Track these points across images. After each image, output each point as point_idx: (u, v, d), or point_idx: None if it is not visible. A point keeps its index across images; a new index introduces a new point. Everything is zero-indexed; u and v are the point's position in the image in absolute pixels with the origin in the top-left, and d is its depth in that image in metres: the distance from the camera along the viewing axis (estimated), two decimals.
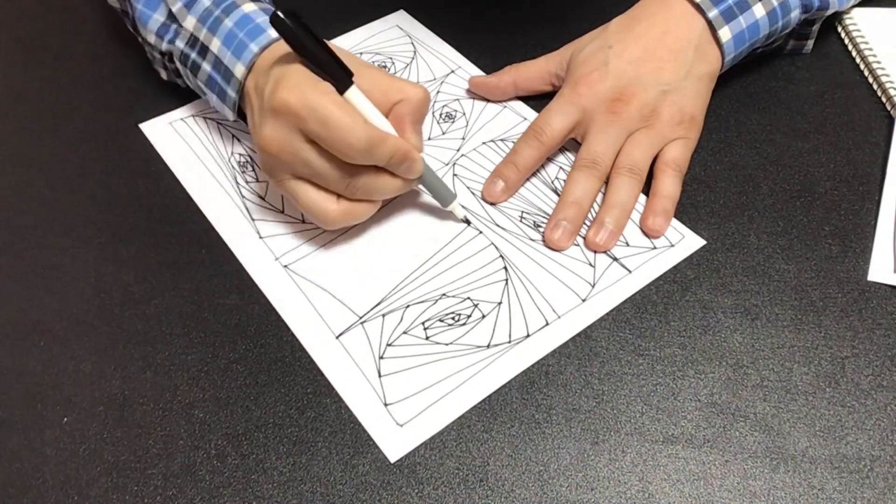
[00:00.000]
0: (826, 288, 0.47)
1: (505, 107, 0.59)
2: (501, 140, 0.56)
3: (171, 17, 0.54)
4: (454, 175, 0.54)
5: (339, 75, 0.45)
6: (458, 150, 0.56)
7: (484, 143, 0.56)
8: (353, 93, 0.45)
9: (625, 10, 0.56)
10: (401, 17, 0.67)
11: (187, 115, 0.59)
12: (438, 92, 0.60)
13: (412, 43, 0.64)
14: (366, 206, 0.48)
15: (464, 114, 0.58)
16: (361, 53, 0.63)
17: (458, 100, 0.59)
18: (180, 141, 0.57)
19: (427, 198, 0.53)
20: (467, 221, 0.50)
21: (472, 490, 0.40)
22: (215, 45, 0.51)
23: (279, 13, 0.43)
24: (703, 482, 0.39)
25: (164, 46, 0.55)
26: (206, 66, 0.52)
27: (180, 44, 0.54)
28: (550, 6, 0.66)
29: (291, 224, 0.51)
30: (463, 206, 0.52)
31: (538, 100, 0.58)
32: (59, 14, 0.71)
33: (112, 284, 0.49)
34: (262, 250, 0.50)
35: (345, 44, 0.64)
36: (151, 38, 0.56)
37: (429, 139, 0.57)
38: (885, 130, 0.55)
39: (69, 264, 0.51)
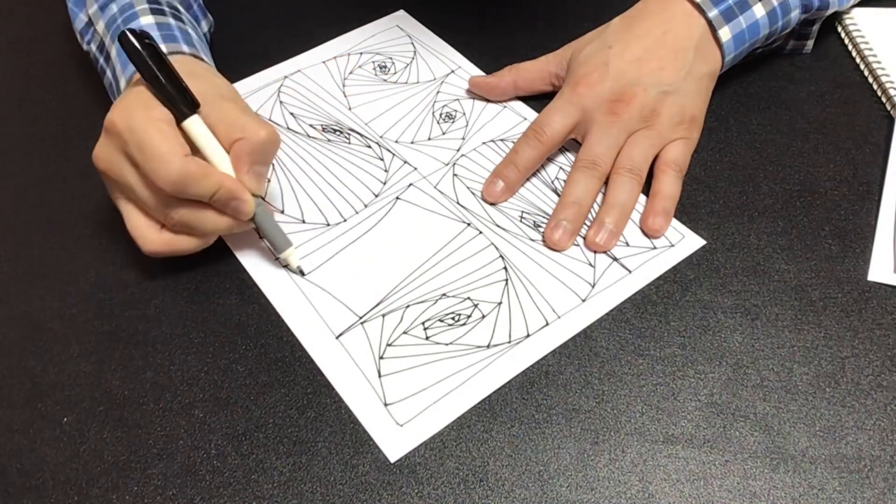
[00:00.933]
0: (826, 288, 0.47)
1: (505, 107, 0.59)
2: (501, 140, 0.56)
3: (90, 18, 0.55)
4: (454, 175, 0.54)
5: (179, 103, 0.44)
6: (458, 150, 0.56)
7: (484, 143, 0.56)
8: (192, 122, 0.44)
9: (625, 10, 0.56)
10: (401, 17, 0.67)
11: None
12: (438, 92, 0.60)
13: (412, 43, 0.64)
14: (191, 240, 0.46)
15: (464, 114, 0.58)
16: (361, 53, 0.63)
17: (458, 100, 0.59)
18: None
19: (428, 198, 0.53)
20: (302, 273, 0.48)
21: (472, 490, 0.40)
22: (113, 54, 0.51)
23: (127, 32, 0.43)
24: (703, 482, 0.39)
25: (85, 47, 0.56)
26: (109, 74, 0.53)
27: (93, 47, 0.55)
28: (550, 6, 0.66)
29: (291, 224, 0.51)
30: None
31: (538, 100, 0.58)
32: (58, 14, 0.70)
33: (112, 284, 0.49)
34: (262, 250, 0.50)
35: (345, 44, 0.64)
36: (78, 37, 0.57)
37: (429, 139, 0.57)
38: (885, 130, 0.55)
39: (69, 264, 0.51)
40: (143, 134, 0.42)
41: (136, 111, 0.43)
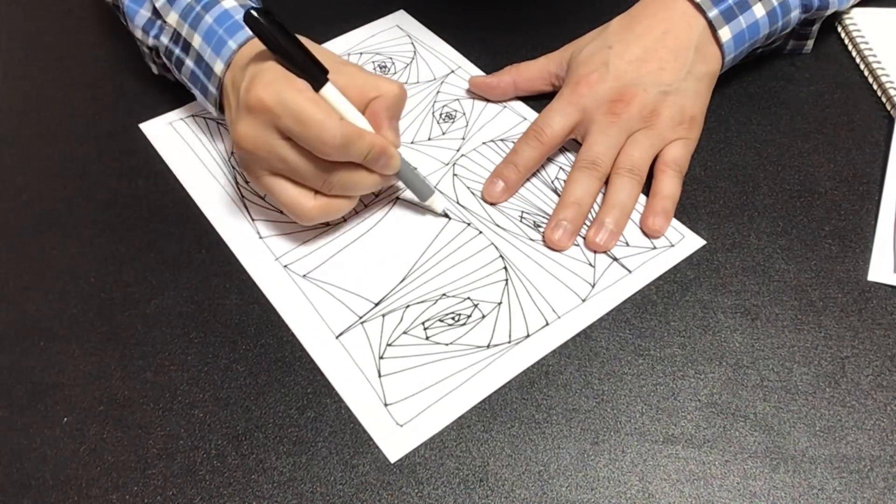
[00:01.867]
0: (826, 288, 0.47)
1: (505, 107, 0.59)
2: (501, 140, 0.56)
3: (156, 12, 0.54)
4: (454, 175, 0.54)
5: (313, 73, 0.45)
6: (458, 150, 0.56)
7: (484, 143, 0.56)
8: (328, 90, 0.45)
9: (625, 10, 0.56)
10: (401, 17, 0.67)
11: (187, 115, 0.59)
12: (438, 92, 0.60)
13: (412, 43, 0.64)
14: (344, 201, 0.48)
15: (464, 114, 0.58)
16: (362, 53, 0.63)
17: (458, 100, 0.59)
18: (180, 141, 0.57)
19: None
20: (447, 216, 0.50)
21: (472, 490, 0.40)
22: (196, 42, 0.51)
23: (252, 11, 0.44)
24: (703, 482, 0.39)
25: (151, 42, 0.55)
26: (189, 62, 0.52)
27: (164, 39, 0.54)
28: (550, 6, 0.66)
29: (291, 224, 0.51)
30: (443, 195, 0.52)
31: (538, 100, 0.59)
32: (58, 14, 0.71)
33: (112, 284, 0.49)
34: (262, 250, 0.50)
35: (345, 44, 0.64)
36: (138, 34, 0.56)
37: (429, 139, 0.57)
38: (885, 130, 0.55)
39: (69, 264, 0.51)
40: (297, 105, 0.43)
41: (281, 85, 0.44)
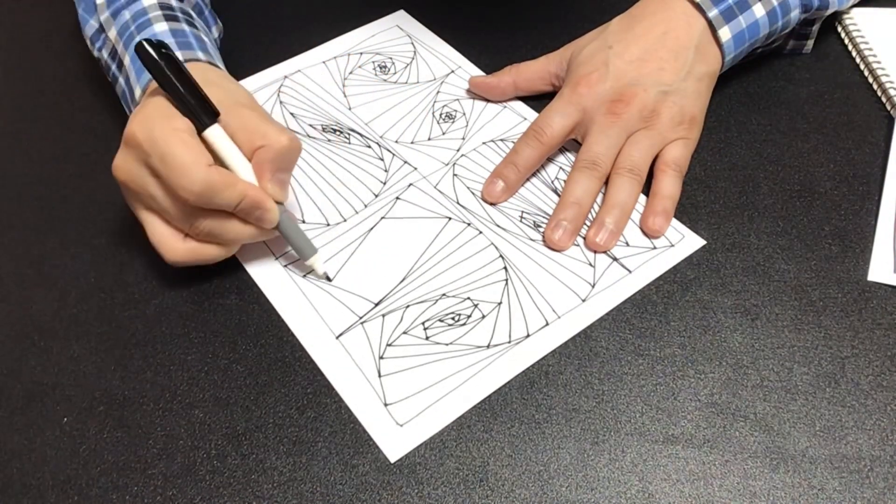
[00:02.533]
0: (826, 288, 0.47)
1: (505, 107, 0.59)
2: (501, 140, 0.56)
3: (102, 25, 0.55)
4: (454, 175, 0.54)
5: (200, 113, 0.43)
6: (458, 150, 0.56)
7: (484, 143, 0.56)
8: (213, 132, 0.44)
9: (625, 9, 0.56)
10: (401, 17, 0.67)
11: None
12: (438, 92, 0.60)
13: (412, 43, 0.64)
14: (215, 248, 0.46)
15: (464, 114, 0.58)
16: (362, 53, 0.63)
17: (458, 100, 0.59)
18: None
19: (428, 198, 0.53)
20: (328, 279, 0.48)
21: (472, 490, 0.40)
22: (126, 62, 0.51)
23: (144, 42, 0.43)
24: (703, 482, 0.39)
25: (96, 54, 0.56)
26: (121, 81, 0.53)
27: (105, 53, 0.54)
28: (550, 6, 0.66)
29: None
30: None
31: (538, 100, 0.58)
32: (58, 14, 0.70)
33: (112, 284, 0.49)
34: (262, 250, 0.50)
35: (345, 44, 0.64)
36: (88, 44, 0.56)
37: (429, 139, 0.57)
38: (885, 130, 0.55)
39: (69, 264, 0.51)
40: (165, 145, 0.42)
41: (156, 122, 0.43)
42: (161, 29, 0.50)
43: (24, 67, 0.65)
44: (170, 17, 0.52)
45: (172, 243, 0.45)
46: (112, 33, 0.53)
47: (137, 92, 0.49)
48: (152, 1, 0.53)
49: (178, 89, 0.43)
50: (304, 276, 0.49)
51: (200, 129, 0.44)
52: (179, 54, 0.48)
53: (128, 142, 0.44)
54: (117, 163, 0.45)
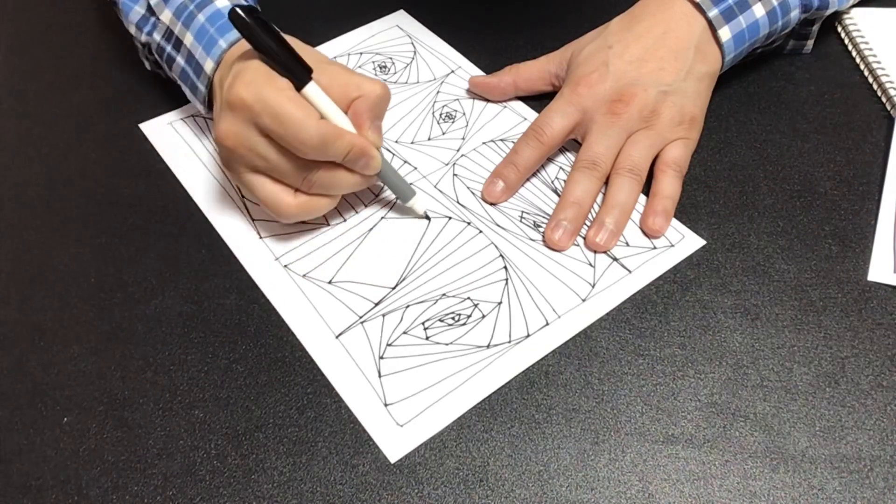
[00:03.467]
0: (826, 288, 0.47)
1: (505, 107, 0.59)
2: (501, 140, 0.56)
3: (151, 9, 0.55)
4: (454, 175, 0.54)
5: (296, 71, 0.45)
6: (458, 150, 0.56)
7: (484, 143, 0.56)
8: (310, 89, 0.45)
9: (625, 9, 0.56)
10: (401, 17, 0.67)
11: (187, 115, 0.59)
12: (438, 92, 0.60)
13: (412, 43, 0.64)
14: (324, 200, 0.48)
15: (464, 114, 0.58)
16: (362, 53, 0.63)
17: (458, 100, 0.59)
18: (180, 141, 0.57)
19: (428, 198, 0.53)
20: (427, 217, 0.51)
21: (472, 490, 0.40)
22: (188, 40, 0.51)
23: (237, 9, 0.44)
24: (703, 482, 0.39)
25: (144, 38, 0.56)
26: (181, 60, 0.53)
27: (157, 36, 0.54)
28: (550, 6, 0.66)
29: (291, 224, 0.51)
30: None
31: (538, 100, 0.59)
32: (58, 13, 0.71)
33: (112, 284, 0.49)
34: (262, 250, 0.50)
35: (345, 44, 0.64)
36: (132, 30, 0.57)
37: (429, 139, 0.57)
38: (885, 130, 0.55)
39: (69, 264, 0.51)
40: (277, 104, 0.43)
41: (261, 84, 0.44)
42: (222, 4, 0.51)
43: (23, 67, 0.65)
44: None
45: (285, 199, 0.47)
46: (166, 15, 0.53)
47: (209, 65, 0.50)
48: None
49: (275, 51, 0.45)
50: (304, 276, 0.49)
51: (298, 87, 0.45)
52: None
53: (235, 106, 0.44)
54: (224, 128, 0.45)
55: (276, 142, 0.45)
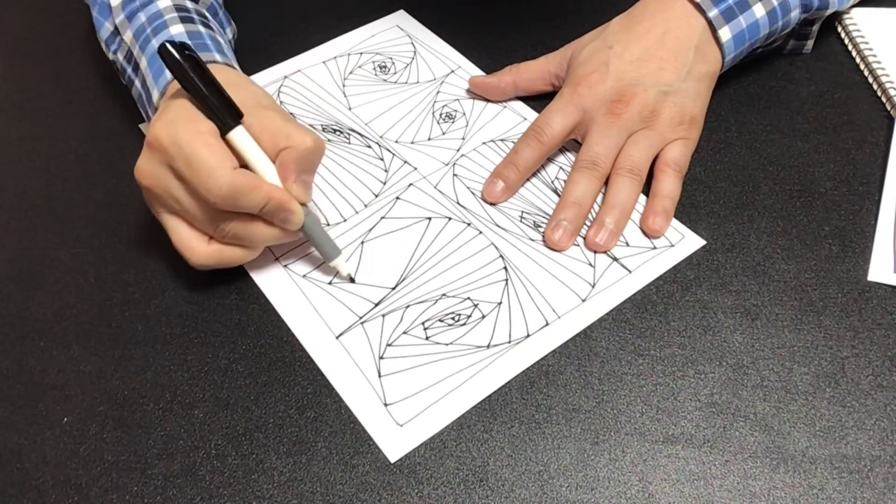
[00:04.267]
0: (826, 288, 0.47)
1: (505, 107, 0.59)
2: (501, 140, 0.56)
3: (117, 28, 0.55)
4: (454, 175, 0.54)
5: (224, 115, 0.43)
6: (458, 150, 0.56)
7: (484, 143, 0.56)
8: (237, 134, 0.43)
9: (625, 9, 0.56)
10: (401, 17, 0.67)
11: None
12: (438, 92, 0.60)
13: (412, 43, 0.64)
14: (239, 251, 0.46)
15: (464, 114, 0.58)
16: (362, 53, 0.63)
17: (458, 100, 0.59)
18: None
19: (428, 198, 0.53)
20: (352, 280, 0.48)
21: (472, 490, 0.40)
22: (143, 64, 0.51)
23: (167, 44, 0.43)
24: (703, 482, 0.39)
25: (111, 56, 0.56)
26: (138, 84, 0.53)
27: (120, 56, 0.54)
28: (550, 6, 0.66)
29: None
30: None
31: (538, 100, 0.58)
32: (58, 14, 0.71)
33: (112, 284, 0.49)
34: (263, 251, 0.50)
35: (345, 44, 0.64)
36: (103, 46, 0.57)
37: (429, 139, 0.57)
38: (885, 130, 0.55)
39: (69, 265, 0.51)
40: (190, 148, 0.41)
41: (180, 125, 0.42)
42: (177, 31, 0.50)
43: (23, 68, 0.65)
44: (186, 19, 0.52)
45: (197, 246, 0.45)
46: (128, 36, 0.53)
47: (155, 95, 0.49)
48: (168, 3, 0.53)
49: (202, 91, 0.43)
50: (304, 276, 0.49)
51: (224, 131, 0.43)
52: None
53: (151, 145, 0.43)
54: (140, 166, 0.44)
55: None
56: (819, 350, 0.44)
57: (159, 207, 0.45)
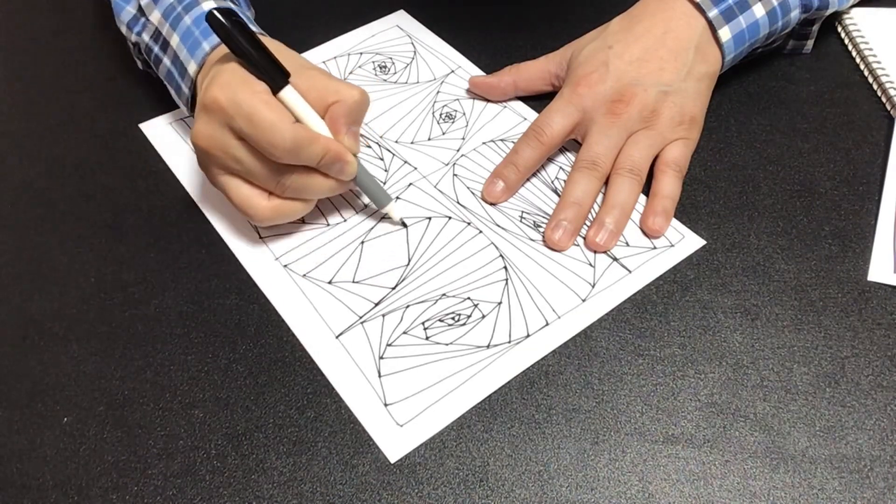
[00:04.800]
0: (826, 288, 0.47)
1: (505, 107, 0.59)
2: (501, 140, 0.56)
3: (141, 9, 0.55)
4: (454, 175, 0.54)
5: (273, 75, 0.45)
6: (458, 150, 0.56)
7: (484, 143, 0.56)
8: (287, 92, 0.45)
9: (625, 9, 0.56)
10: (401, 17, 0.67)
11: (187, 115, 0.59)
12: (438, 92, 0.60)
13: (412, 43, 0.64)
14: (299, 204, 0.48)
15: (464, 114, 0.58)
16: (362, 53, 0.63)
17: (458, 100, 0.59)
18: (180, 141, 0.57)
19: (428, 198, 0.53)
20: (404, 224, 0.50)
21: (472, 490, 0.40)
22: (174, 41, 0.52)
23: (214, 11, 0.44)
24: (703, 482, 0.39)
25: (134, 38, 0.56)
26: (167, 61, 0.53)
27: (146, 37, 0.55)
28: (550, 6, 0.66)
29: (291, 224, 0.51)
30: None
31: (538, 100, 0.59)
32: (58, 13, 0.71)
33: (112, 284, 0.49)
34: (262, 250, 0.50)
35: (345, 44, 0.64)
36: (123, 30, 0.57)
37: (429, 139, 0.57)
38: (885, 130, 0.55)
39: (69, 264, 0.51)
40: (251, 107, 0.43)
41: (237, 86, 0.44)
42: (209, 6, 0.51)
43: (23, 68, 0.65)
44: None
45: (259, 202, 0.47)
46: (155, 16, 0.53)
47: (192, 67, 0.50)
48: None
49: (252, 54, 0.45)
50: (304, 275, 0.49)
51: (275, 90, 0.45)
52: None
53: (209, 108, 0.44)
54: (199, 130, 0.45)
55: (250, 144, 0.44)
56: (819, 350, 0.44)
57: (217, 169, 0.47)
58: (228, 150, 0.45)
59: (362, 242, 0.50)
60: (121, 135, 0.59)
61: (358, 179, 0.48)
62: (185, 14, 0.51)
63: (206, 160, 0.47)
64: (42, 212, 0.54)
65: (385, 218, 0.51)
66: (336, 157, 0.45)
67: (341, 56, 0.63)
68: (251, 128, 0.43)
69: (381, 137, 0.57)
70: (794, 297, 0.46)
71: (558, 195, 0.52)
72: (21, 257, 0.51)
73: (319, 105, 0.46)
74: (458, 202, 0.52)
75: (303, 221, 0.52)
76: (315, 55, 0.64)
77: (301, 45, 0.64)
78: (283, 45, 0.49)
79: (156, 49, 0.54)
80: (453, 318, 0.46)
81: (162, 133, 0.58)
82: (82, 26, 0.69)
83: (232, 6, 0.52)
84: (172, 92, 0.54)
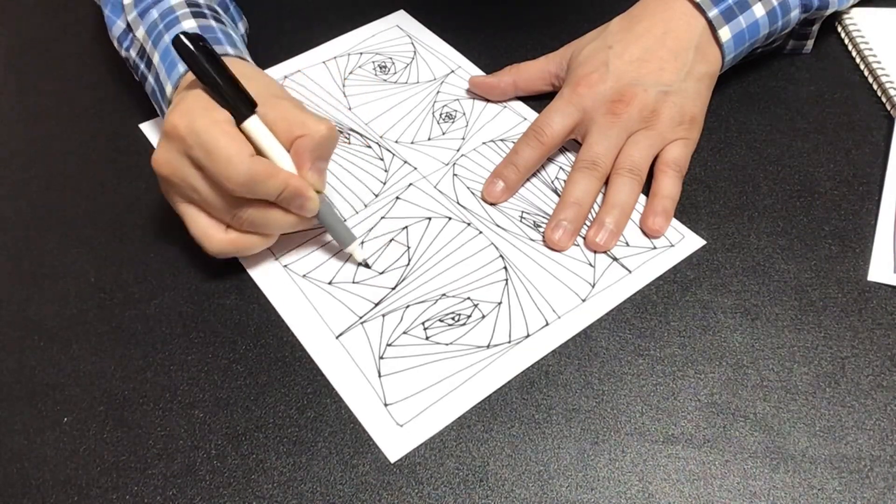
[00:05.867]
0: (826, 288, 0.47)
1: (505, 107, 0.59)
2: (501, 140, 0.56)
3: (129, 25, 0.55)
4: (454, 175, 0.54)
5: (238, 104, 0.44)
6: (458, 150, 0.56)
7: (484, 143, 0.56)
8: (251, 123, 0.44)
9: (625, 9, 0.56)
10: (401, 17, 0.67)
11: None
12: (438, 92, 0.60)
13: (412, 43, 0.64)
14: (257, 238, 0.46)
15: (464, 114, 0.58)
16: (361, 53, 0.63)
17: (458, 100, 0.59)
18: None
19: (428, 198, 0.53)
20: (367, 265, 0.49)
21: (472, 490, 0.40)
22: (156, 59, 0.51)
23: (181, 36, 0.43)
24: (703, 482, 0.39)
25: (123, 53, 0.56)
26: (151, 79, 0.53)
27: (133, 53, 0.55)
28: (551, 6, 0.66)
29: None
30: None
31: (538, 100, 0.59)
32: (58, 14, 0.71)
33: (112, 284, 0.49)
34: (263, 251, 0.50)
35: (345, 44, 0.64)
36: (115, 44, 0.57)
37: (429, 139, 0.57)
38: (885, 130, 0.55)
39: (69, 264, 0.51)
40: (208, 136, 0.42)
41: (197, 114, 0.43)
42: (189, 26, 0.51)
43: (24, 68, 0.65)
44: (197, 14, 0.52)
45: (214, 234, 0.46)
46: (140, 32, 0.53)
47: (168, 88, 0.50)
48: None
49: (216, 81, 0.44)
50: (304, 276, 0.49)
51: (239, 120, 0.44)
52: None
53: (169, 134, 0.44)
54: (158, 156, 0.45)
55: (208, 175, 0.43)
56: (819, 350, 0.44)
57: (176, 196, 0.46)
58: (186, 179, 0.44)
59: (362, 242, 0.50)
60: (121, 135, 0.59)
61: (320, 216, 0.46)
62: (166, 32, 0.51)
63: (166, 186, 0.46)
64: (42, 212, 0.54)
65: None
66: (296, 193, 0.44)
67: (341, 56, 0.63)
68: (207, 159, 0.42)
69: (381, 137, 0.57)
70: (794, 297, 0.46)
71: (558, 195, 0.52)
72: (21, 257, 0.51)
73: (286, 137, 0.45)
74: (458, 202, 0.52)
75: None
76: (315, 55, 0.64)
77: (301, 45, 0.64)
78: (260, 71, 0.48)
79: (142, 66, 0.54)
80: (453, 318, 0.46)
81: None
82: (82, 27, 0.69)
83: (214, 24, 0.52)
84: (157, 109, 0.54)
